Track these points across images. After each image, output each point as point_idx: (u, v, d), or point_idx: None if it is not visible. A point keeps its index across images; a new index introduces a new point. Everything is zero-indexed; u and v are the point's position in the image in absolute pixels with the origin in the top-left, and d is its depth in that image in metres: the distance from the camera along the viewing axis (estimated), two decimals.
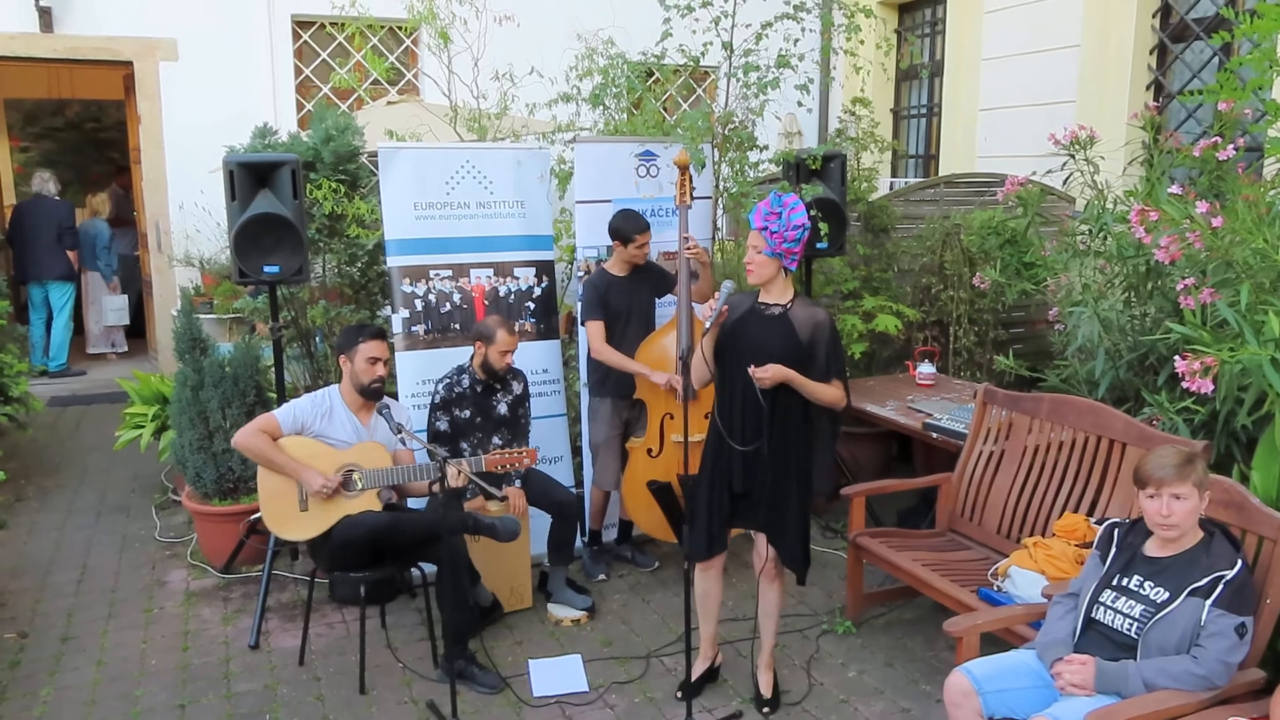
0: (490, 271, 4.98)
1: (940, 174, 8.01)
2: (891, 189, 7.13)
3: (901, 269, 6.24)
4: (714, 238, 5.54)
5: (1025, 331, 6.24)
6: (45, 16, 7.84)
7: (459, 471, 3.69)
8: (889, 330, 5.56)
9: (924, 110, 9.06)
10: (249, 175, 4.39)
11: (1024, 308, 6.25)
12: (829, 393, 3.40)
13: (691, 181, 4.60)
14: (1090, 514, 3.74)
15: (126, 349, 9.68)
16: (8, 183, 10.44)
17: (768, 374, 3.31)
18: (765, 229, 3.37)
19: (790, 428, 3.44)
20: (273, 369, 4.77)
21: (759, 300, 3.49)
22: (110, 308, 9.47)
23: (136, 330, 9.77)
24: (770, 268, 3.42)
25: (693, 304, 4.21)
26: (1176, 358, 3.07)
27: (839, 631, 4.29)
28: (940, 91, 8.61)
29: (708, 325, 3.37)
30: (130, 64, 8.17)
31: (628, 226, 4.64)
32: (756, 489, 3.49)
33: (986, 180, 6.51)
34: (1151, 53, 6.84)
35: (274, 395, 4.72)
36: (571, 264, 5.54)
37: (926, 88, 9.01)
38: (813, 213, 4.94)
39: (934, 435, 4.68)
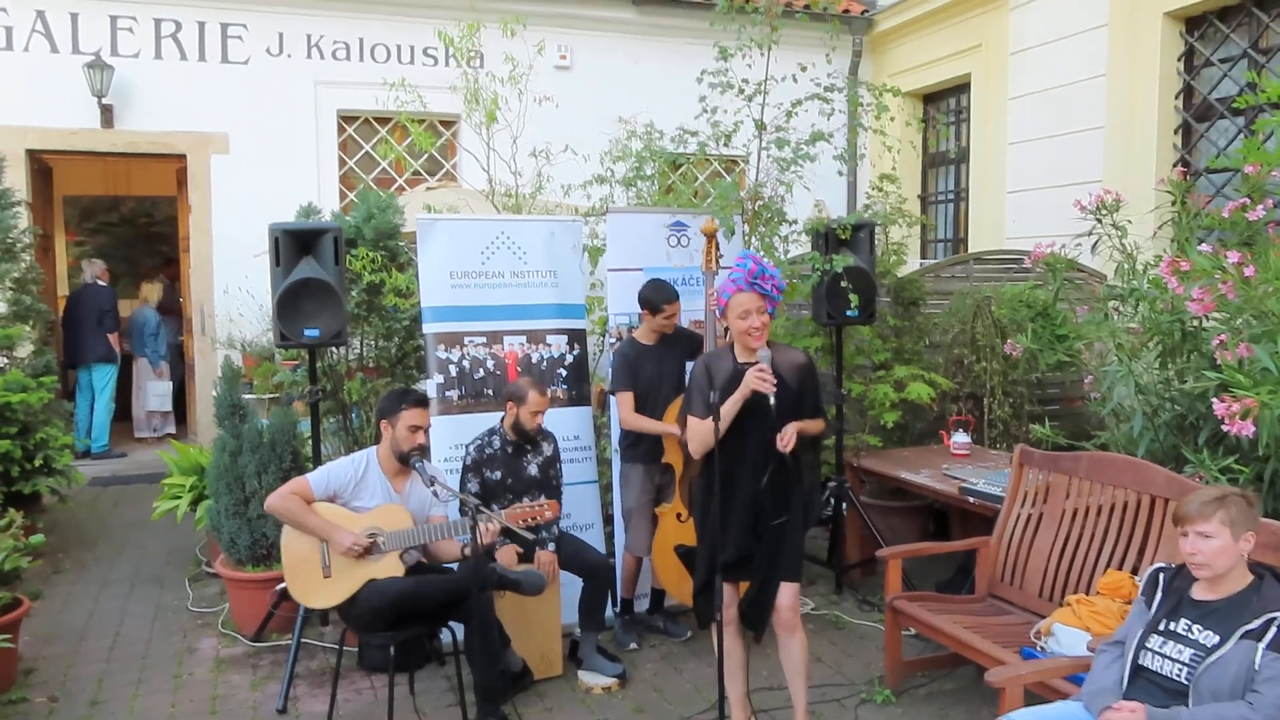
0: (523, 339, 5.03)
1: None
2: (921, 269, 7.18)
3: (932, 342, 6.24)
4: None
5: (1061, 409, 6.17)
6: (107, 113, 8.25)
7: (490, 524, 3.68)
8: (921, 399, 5.54)
9: (952, 195, 9.17)
10: (293, 243, 4.52)
11: (1058, 384, 6.22)
12: (818, 426, 3.53)
13: (719, 249, 4.74)
14: (1135, 573, 3.63)
15: (172, 431, 9.80)
16: (62, 273, 10.79)
17: (789, 439, 3.36)
18: (754, 286, 3.42)
19: (793, 471, 3.49)
20: (309, 439, 4.83)
21: (739, 360, 3.52)
22: (154, 393, 9.64)
23: (180, 415, 9.92)
24: (770, 327, 3.51)
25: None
26: (1215, 400, 3.02)
27: (878, 701, 4.14)
28: (967, 177, 8.73)
29: (772, 401, 3.35)
30: (184, 157, 8.52)
31: (656, 296, 4.68)
32: (766, 542, 3.49)
33: (1016, 257, 6.54)
34: (1176, 132, 6.92)
35: (310, 462, 4.77)
36: (604, 335, 5.59)
37: (954, 173, 9.15)
38: (843, 284, 5.03)
39: (971, 500, 4.61)
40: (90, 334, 9.02)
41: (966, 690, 4.26)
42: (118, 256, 11.33)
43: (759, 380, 3.36)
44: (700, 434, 3.45)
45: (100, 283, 9.17)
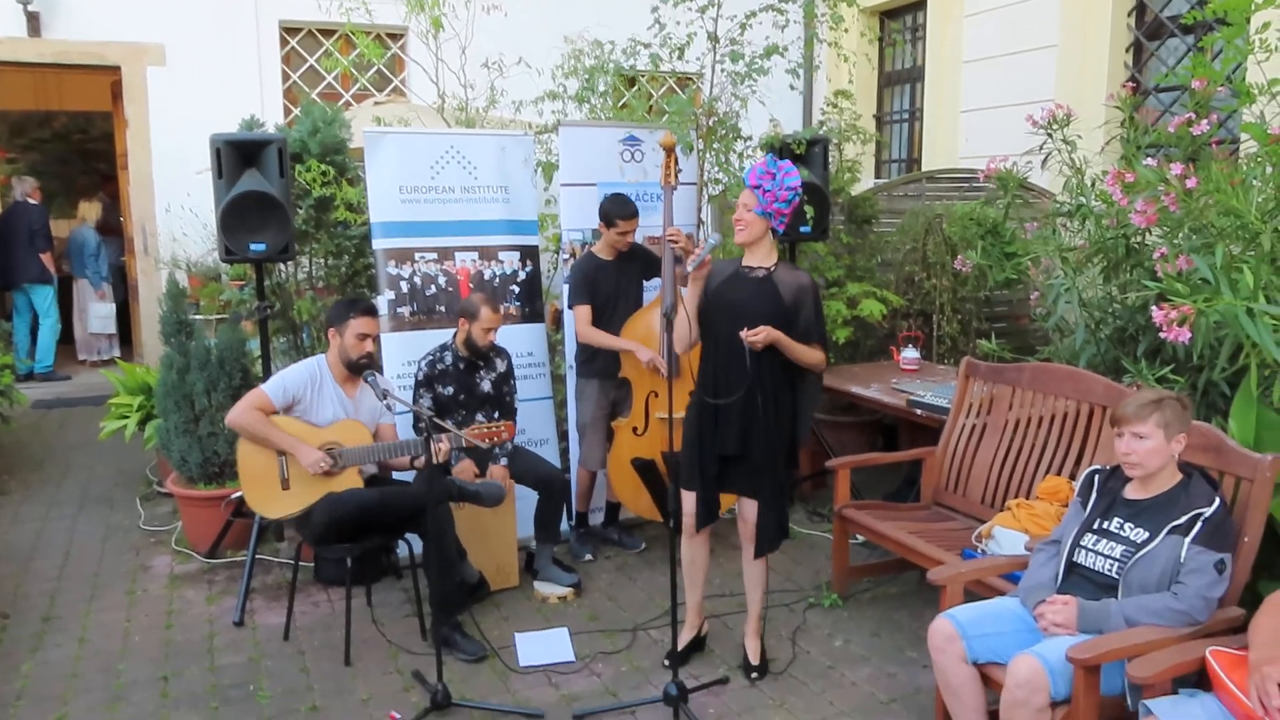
0: (475, 255, 5.01)
1: None
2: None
3: (884, 260, 6.30)
4: (699, 227, 5.59)
5: (1008, 326, 6.27)
6: (33, 21, 7.88)
7: (446, 440, 3.71)
8: (873, 316, 5.61)
9: (907, 115, 9.17)
10: (236, 155, 4.43)
11: (1006, 302, 6.31)
12: (812, 354, 3.48)
13: (677, 164, 4.69)
14: (1072, 479, 3.77)
15: (117, 354, 9.59)
16: None
17: (759, 336, 3.36)
18: (759, 187, 3.42)
19: (774, 390, 3.48)
20: (259, 358, 4.80)
21: (743, 264, 3.55)
22: (97, 315, 9.42)
23: (124, 338, 9.74)
24: (759, 227, 3.48)
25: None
26: (1154, 308, 3.11)
27: (825, 605, 4.29)
28: (922, 96, 8.73)
29: (689, 269, 3.40)
30: (118, 69, 8.21)
31: (614, 210, 4.68)
32: (750, 450, 3.51)
33: (968, 175, 6.58)
34: (1128, 50, 6.95)
35: (260, 378, 4.71)
36: (558, 253, 5.58)
37: (909, 92, 9.13)
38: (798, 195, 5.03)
39: (918, 412, 4.71)
40: (23, 254, 8.76)
41: (910, 594, 4.41)
42: (51, 174, 10.99)
43: (677, 246, 3.46)
44: (682, 330, 3.52)
45: (31, 200, 8.88)
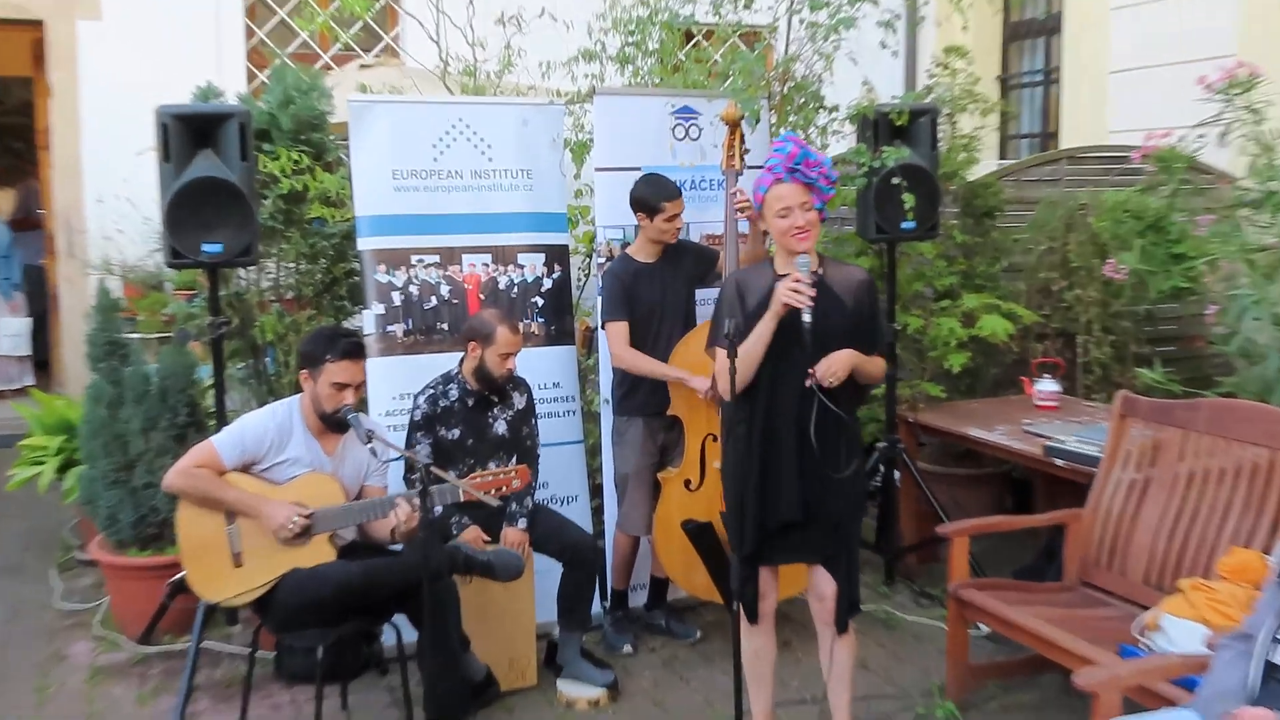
0: (488, 258, 5.03)
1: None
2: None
3: (1012, 264, 6.23)
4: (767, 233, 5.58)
5: (1177, 350, 6.19)
6: None
7: (404, 504, 3.77)
8: (997, 336, 5.53)
9: (1040, 77, 9.12)
10: (188, 131, 4.45)
11: (1174, 319, 6.23)
12: (879, 368, 3.61)
13: (743, 141, 4.73)
14: (1267, 552, 3.66)
15: (31, 382, 9.28)
16: None
17: (839, 369, 3.42)
18: (815, 179, 3.49)
19: (845, 427, 3.55)
20: (210, 388, 4.82)
21: (779, 272, 3.59)
22: (5, 332, 9.30)
23: (41, 361, 9.70)
24: (819, 228, 3.56)
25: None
26: None
27: (939, 716, 4.21)
28: (1060, 53, 8.67)
29: (791, 299, 3.38)
30: (41, 24, 8.33)
31: (652, 193, 4.65)
32: (820, 508, 3.54)
33: (1120, 154, 6.46)
34: None
35: (213, 419, 4.76)
36: (590, 256, 5.61)
37: (1042, 50, 9.07)
38: (896, 181, 5.03)
39: (1058, 463, 4.64)
40: None
41: (1050, 703, 4.31)
42: None
43: (790, 292, 3.39)
44: (726, 372, 3.50)
45: None
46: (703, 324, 4.70)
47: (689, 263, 4.84)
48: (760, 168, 5.14)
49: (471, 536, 4.30)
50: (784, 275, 3.52)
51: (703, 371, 4.51)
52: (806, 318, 3.39)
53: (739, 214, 4.57)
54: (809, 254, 3.52)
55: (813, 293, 3.40)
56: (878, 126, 5.21)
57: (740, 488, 3.58)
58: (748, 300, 3.57)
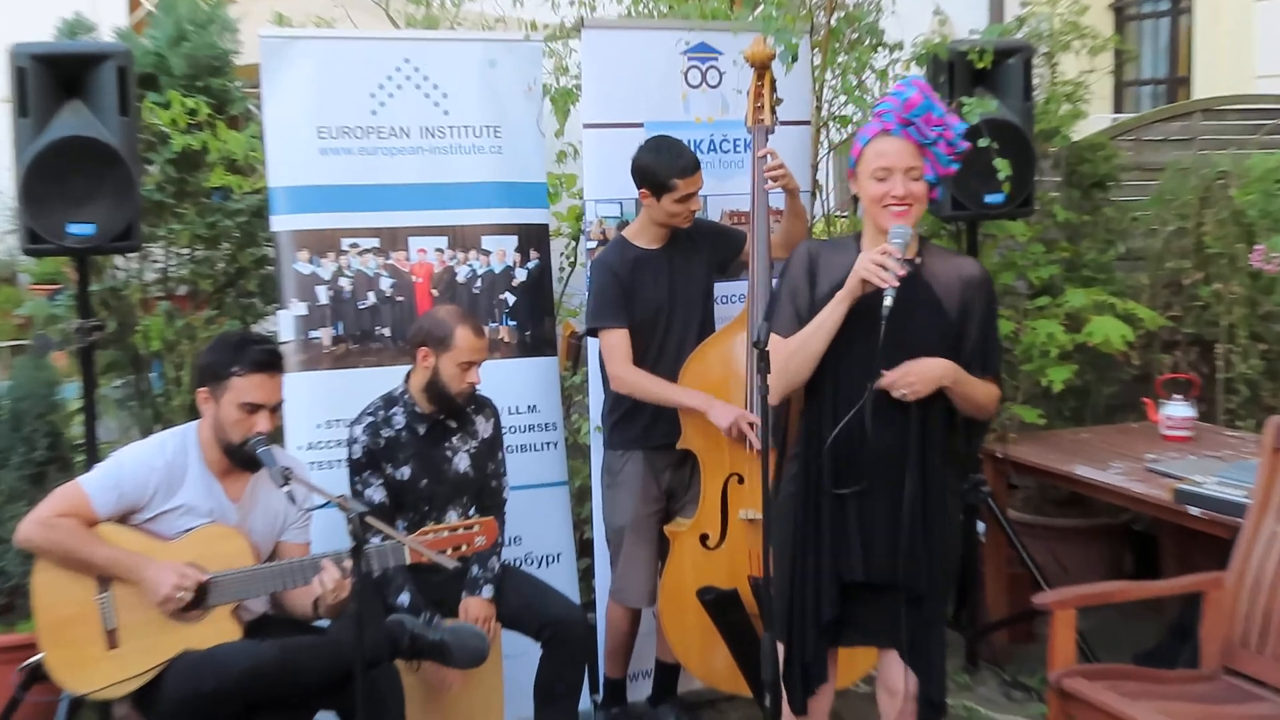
0: (443, 241, 5.01)
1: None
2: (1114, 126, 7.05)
3: (1130, 250, 6.20)
4: (815, 195, 5.62)
5: None
6: None
7: (331, 568, 3.73)
8: (1112, 345, 5.48)
9: (1166, 8, 9.07)
10: (50, 77, 4.40)
11: None
12: (988, 394, 3.60)
13: (774, 89, 4.68)
14: None
15: None
16: None
17: (920, 381, 3.43)
18: (931, 138, 3.47)
19: (930, 465, 3.54)
20: (78, 411, 4.81)
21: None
22: None
23: None
24: (924, 203, 3.54)
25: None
26: None
27: None
28: None
29: (887, 299, 3.37)
30: None
31: (662, 164, 4.58)
32: (889, 575, 3.52)
33: (1271, 107, 6.51)
34: None
35: (81, 455, 4.75)
36: (577, 239, 5.57)
37: None
38: (984, 142, 4.94)
39: (1193, 511, 4.55)
40: None
41: None
42: None
43: (874, 266, 3.35)
44: (786, 362, 3.51)
45: None
46: (722, 330, 4.76)
47: (706, 249, 4.80)
48: (798, 123, 5.18)
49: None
50: None
51: (721, 393, 4.51)
52: (888, 300, 3.35)
53: (771, 183, 4.53)
54: (906, 227, 3.48)
55: (903, 271, 3.36)
56: (954, 70, 5.15)
57: (801, 535, 3.60)
58: (820, 281, 3.57)
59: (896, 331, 3.40)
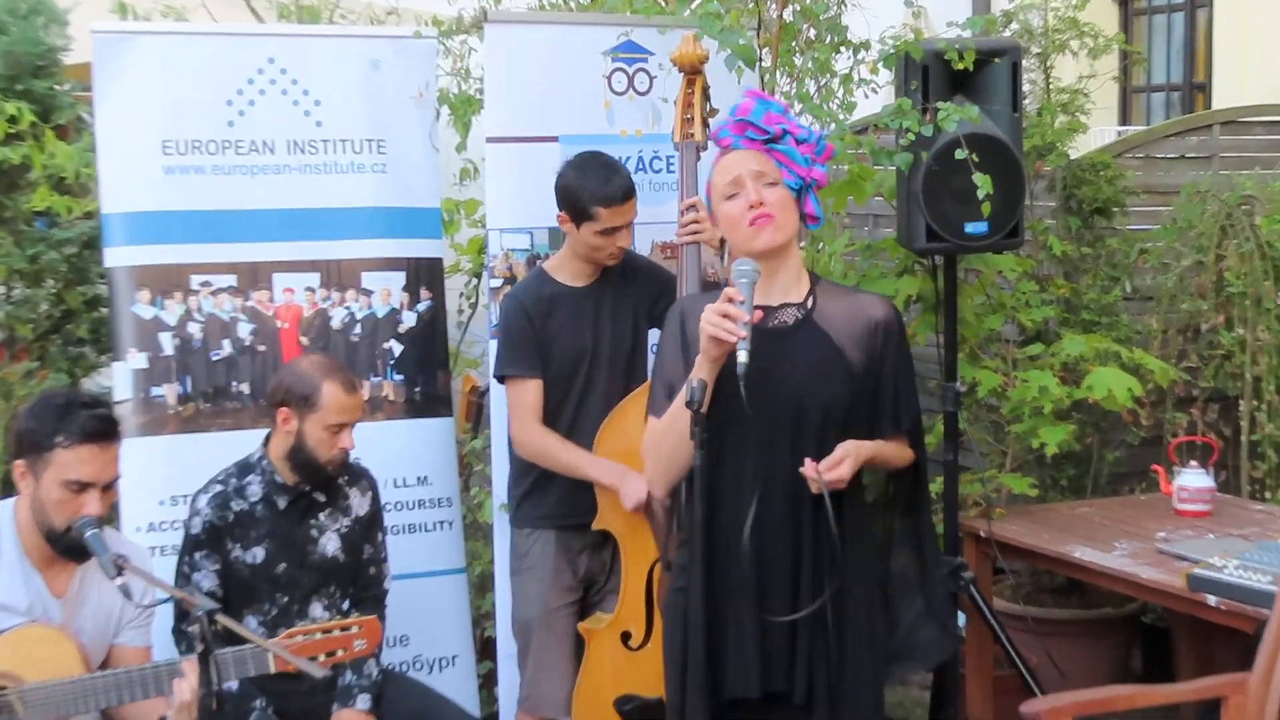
0: (315, 279, 5.01)
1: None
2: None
3: (1137, 289, 6.27)
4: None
5: None
6: None
7: (189, 672, 3.63)
8: (1117, 401, 5.46)
9: (1182, 0, 9.13)
10: None
11: None
12: (903, 459, 3.66)
13: (708, 97, 4.73)
14: None
15: None
16: None
17: (842, 470, 3.39)
18: (773, 132, 3.50)
19: (863, 558, 3.59)
20: None
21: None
22: None
23: None
24: (793, 215, 3.53)
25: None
26: None
27: None
28: None
29: (719, 328, 3.30)
30: None
31: (589, 187, 4.57)
32: (825, 694, 3.50)
33: None
34: None
35: None
36: (479, 275, 5.59)
37: None
38: (962, 154, 4.92)
39: (1211, 601, 4.52)
40: None
41: None
42: None
43: (716, 320, 3.28)
44: (657, 449, 3.53)
45: None
46: (646, 386, 4.63)
47: (638, 288, 4.81)
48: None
49: None
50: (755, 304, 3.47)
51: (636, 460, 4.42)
52: (742, 357, 3.25)
53: (686, 237, 4.56)
54: (770, 254, 3.48)
55: (749, 317, 3.28)
56: (928, 74, 5.07)
57: (680, 651, 3.52)
58: (692, 343, 3.49)
59: (786, 394, 3.44)
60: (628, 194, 4.60)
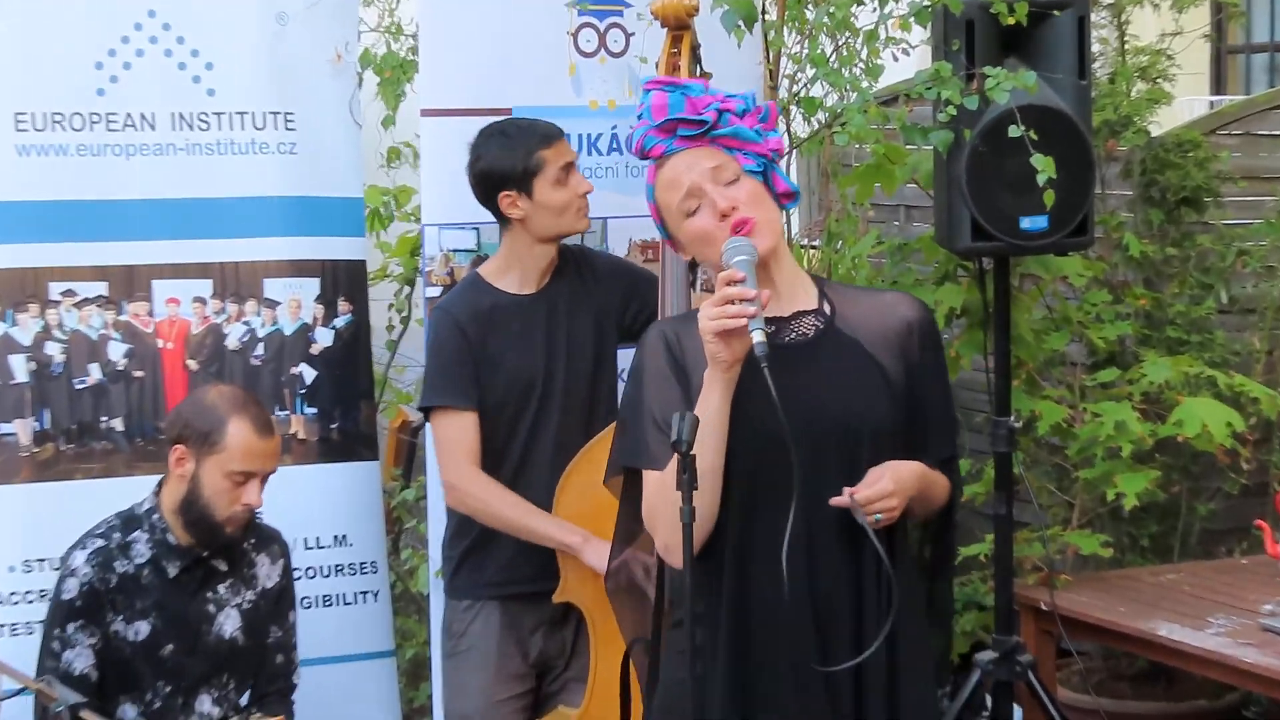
0: (206, 287, 4.94)
1: None
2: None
3: (1239, 300, 6.23)
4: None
5: None
6: None
7: None
8: (1212, 440, 5.31)
9: None
10: None
11: None
12: (944, 494, 3.54)
13: (697, 59, 4.62)
14: None
15: None
16: None
17: (900, 492, 3.22)
18: (706, 117, 3.37)
19: (902, 626, 3.38)
20: None
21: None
22: None
23: None
24: (771, 206, 3.42)
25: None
26: None
27: None
28: None
29: (721, 317, 3.15)
30: None
31: (517, 142, 4.53)
32: None
33: None
34: None
35: None
36: (412, 282, 5.64)
37: None
38: (1017, 129, 4.73)
39: None
40: None
41: None
42: None
43: (717, 311, 3.14)
44: (672, 509, 3.19)
45: None
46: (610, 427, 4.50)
47: (603, 297, 4.69)
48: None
49: None
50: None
51: (611, 521, 4.17)
52: (758, 336, 3.09)
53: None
54: (762, 261, 3.32)
55: (754, 293, 3.14)
56: (973, 32, 4.85)
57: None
58: (692, 369, 3.37)
59: (829, 418, 3.31)
60: (560, 131, 4.62)
